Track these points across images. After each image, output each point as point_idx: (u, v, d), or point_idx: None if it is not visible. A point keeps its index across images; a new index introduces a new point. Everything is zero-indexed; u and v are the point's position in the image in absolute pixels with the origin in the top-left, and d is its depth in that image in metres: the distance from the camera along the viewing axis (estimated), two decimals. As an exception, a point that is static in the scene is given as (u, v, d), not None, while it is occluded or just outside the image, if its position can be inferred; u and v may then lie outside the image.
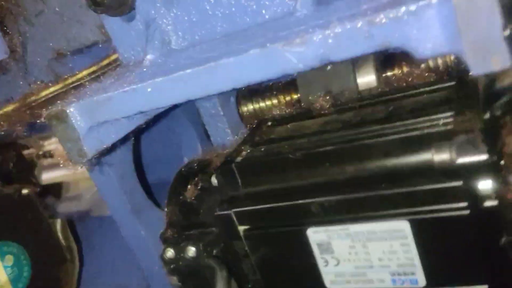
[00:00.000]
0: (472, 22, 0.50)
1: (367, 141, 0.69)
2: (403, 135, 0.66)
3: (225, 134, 1.04)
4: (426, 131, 0.65)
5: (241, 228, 0.76)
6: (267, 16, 0.82)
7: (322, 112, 0.84)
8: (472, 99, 0.66)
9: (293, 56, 0.62)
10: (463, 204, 0.59)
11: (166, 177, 1.11)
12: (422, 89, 0.77)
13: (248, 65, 0.65)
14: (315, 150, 0.72)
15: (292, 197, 0.71)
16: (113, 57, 1.02)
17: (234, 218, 0.75)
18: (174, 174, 0.91)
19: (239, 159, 0.79)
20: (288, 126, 0.87)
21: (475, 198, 0.58)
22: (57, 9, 1.06)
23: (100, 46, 1.06)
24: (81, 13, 1.05)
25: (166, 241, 0.84)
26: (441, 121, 0.65)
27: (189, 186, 0.81)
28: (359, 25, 0.57)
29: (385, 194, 0.64)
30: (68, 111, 0.79)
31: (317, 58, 0.61)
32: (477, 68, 0.53)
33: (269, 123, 0.92)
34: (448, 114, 0.66)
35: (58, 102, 0.80)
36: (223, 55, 0.69)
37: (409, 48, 0.56)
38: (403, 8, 0.55)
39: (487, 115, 0.60)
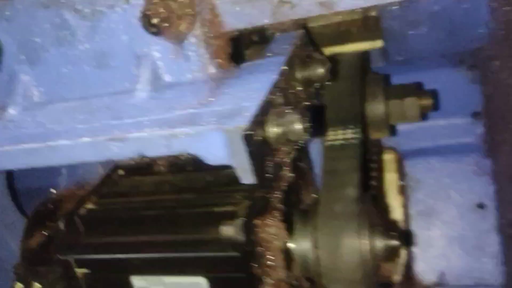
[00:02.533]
0: (236, 151, 0.69)
1: (180, 210, 0.86)
2: (205, 209, 0.84)
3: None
4: (222, 208, 0.83)
5: (79, 271, 0.91)
6: (117, 88, 0.96)
7: (162, 170, 1.00)
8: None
9: (115, 148, 0.77)
10: (239, 268, 0.78)
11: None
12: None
13: (80, 149, 0.79)
14: (142, 213, 0.88)
15: (121, 251, 0.87)
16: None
17: (73, 263, 0.90)
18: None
19: (83, 211, 0.94)
20: (134, 178, 1.03)
21: (246, 266, 0.77)
22: None
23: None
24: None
25: (16, 275, 0.97)
26: (235, 200, 0.84)
27: (35, 234, 0.93)
28: (163, 135, 0.73)
29: (188, 256, 0.82)
30: None
31: (134, 152, 0.77)
32: (243, 180, 0.71)
33: (121, 172, 1.06)
34: (241, 194, 0.84)
35: None
36: (63, 134, 0.82)
37: (200, 157, 0.74)
38: (194, 128, 0.72)
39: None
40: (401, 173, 1.40)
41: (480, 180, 1.33)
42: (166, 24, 0.79)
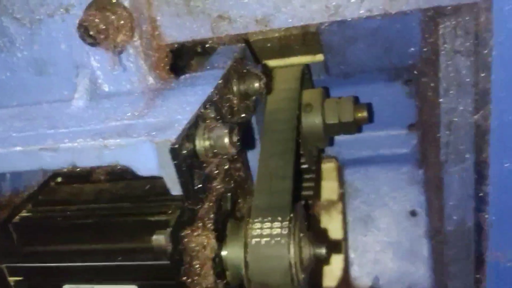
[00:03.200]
0: (164, 163, 0.71)
1: (115, 219, 0.87)
2: (140, 218, 0.86)
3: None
4: (156, 217, 0.85)
5: (12, 279, 0.90)
6: (56, 96, 0.96)
7: (101, 178, 1.01)
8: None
9: (48, 157, 0.78)
10: (169, 276, 0.80)
11: None
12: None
13: (13, 157, 0.80)
14: (77, 221, 0.89)
15: (54, 259, 0.87)
16: None
17: (5, 271, 0.89)
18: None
19: (17, 218, 0.93)
20: (72, 186, 1.03)
21: (175, 274, 0.79)
22: None
23: None
24: None
25: None
26: (169, 209, 0.85)
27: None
28: (95, 146, 0.75)
29: (121, 265, 0.84)
30: None
31: (66, 162, 0.78)
32: (171, 191, 0.74)
33: (59, 179, 1.06)
34: (176, 204, 0.86)
35: None
36: (-3, 142, 0.82)
37: (132, 168, 0.76)
38: (126, 140, 0.74)
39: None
40: (341, 181, 1.46)
41: (413, 189, 1.41)
42: (103, 36, 0.81)
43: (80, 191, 1.01)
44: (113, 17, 0.83)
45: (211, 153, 0.72)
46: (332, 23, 1.02)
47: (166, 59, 0.94)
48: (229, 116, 0.87)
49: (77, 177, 1.06)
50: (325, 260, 0.93)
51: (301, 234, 0.90)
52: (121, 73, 0.91)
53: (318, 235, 1.05)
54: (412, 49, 1.14)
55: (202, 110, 0.76)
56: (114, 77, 0.91)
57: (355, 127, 1.20)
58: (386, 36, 1.15)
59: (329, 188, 1.46)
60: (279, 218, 0.89)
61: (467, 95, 0.90)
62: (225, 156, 0.74)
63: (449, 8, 0.82)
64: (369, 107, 1.25)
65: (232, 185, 0.96)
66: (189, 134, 0.71)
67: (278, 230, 0.88)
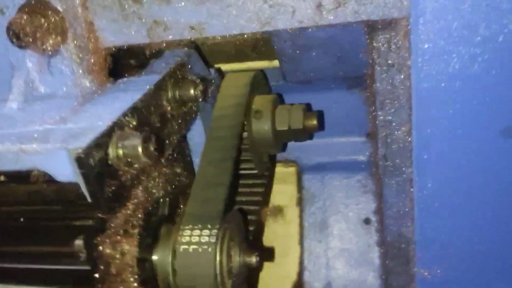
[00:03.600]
0: (75, 168, 0.71)
1: (44, 222, 0.87)
2: (66, 223, 0.86)
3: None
4: (81, 222, 0.85)
5: None
6: (-6, 95, 0.96)
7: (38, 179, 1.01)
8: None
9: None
10: (87, 282, 0.80)
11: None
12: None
13: None
14: (7, 223, 0.89)
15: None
16: None
17: None
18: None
19: (-50, 218, 0.94)
20: (9, 186, 1.02)
21: (93, 280, 0.79)
22: None
23: None
24: None
25: None
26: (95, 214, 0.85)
27: None
28: (13, 150, 0.75)
29: (45, 268, 0.84)
30: None
31: (-11, 166, 0.78)
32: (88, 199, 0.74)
33: (2, 179, 1.06)
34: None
35: None
36: None
37: (49, 173, 0.76)
38: (41, 146, 0.74)
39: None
40: (299, 186, 1.46)
41: (368, 197, 1.41)
42: (30, 38, 0.80)
43: (16, 191, 1.01)
44: (42, 20, 0.82)
45: (125, 162, 0.72)
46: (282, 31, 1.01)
47: (104, 63, 0.93)
48: (159, 124, 0.87)
49: (19, 177, 1.06)
50: (258, 269, 0.93)
51: (232, 242, 0.90)
52: (56, 76, 0.91)
53: (256, 243, 1.04)
54: (364, 59, 1.14)
55: (122, 118, 0.76)
56: (50, 79, 0.91)
57: (306, 134, 1.19)
58: (339, 45, 1.14)
59: (287, 193, 1.46)
60: (209, 226, 0.89)
61: (401, 109, 0.89)
62: (143, 165, 0.74)
63: (380, 22, 0.81)
64: (320, 115, 1.24)
65: (170, 190, 0.96)
66: (101, 142, 0.71)
67: (206, 238, 0.88)
